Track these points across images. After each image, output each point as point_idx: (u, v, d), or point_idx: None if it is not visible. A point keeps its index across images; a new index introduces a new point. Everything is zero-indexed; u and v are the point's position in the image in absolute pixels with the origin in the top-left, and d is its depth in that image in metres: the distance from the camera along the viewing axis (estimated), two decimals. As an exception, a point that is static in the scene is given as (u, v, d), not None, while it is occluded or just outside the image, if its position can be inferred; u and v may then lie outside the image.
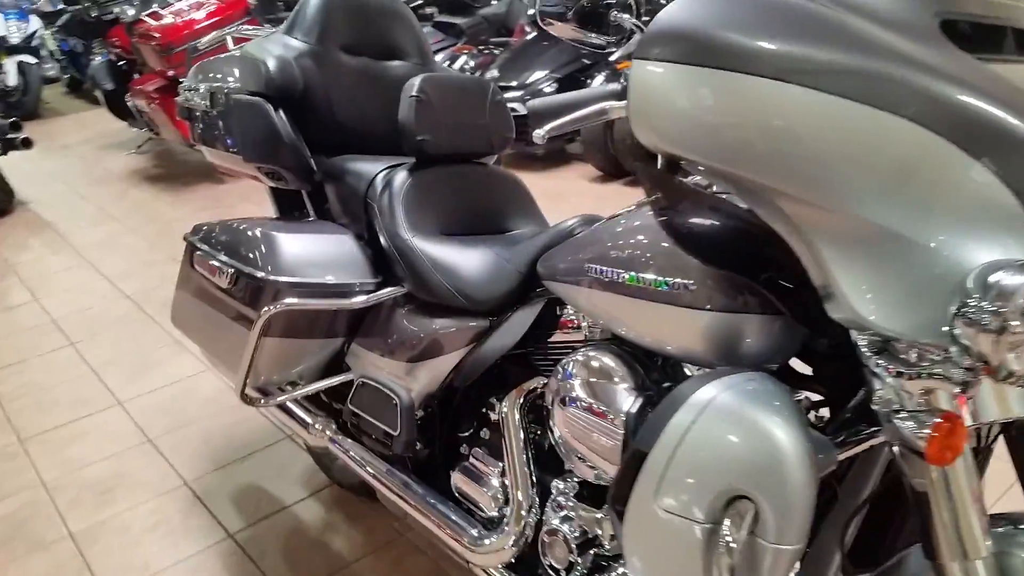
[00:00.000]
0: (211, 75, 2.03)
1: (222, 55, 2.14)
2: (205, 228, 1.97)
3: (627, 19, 1.15)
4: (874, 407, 0.89)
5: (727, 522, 0.90)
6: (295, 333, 1.74)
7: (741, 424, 0.91)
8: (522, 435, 1.49)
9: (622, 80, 0.96)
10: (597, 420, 1.22)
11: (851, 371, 0.95)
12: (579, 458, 1.28)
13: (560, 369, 1.31)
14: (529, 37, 5.50)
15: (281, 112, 1.80)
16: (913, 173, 0.77)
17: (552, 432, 1.33)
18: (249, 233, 1.79)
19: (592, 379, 1.24)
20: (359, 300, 1.68)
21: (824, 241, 0.82)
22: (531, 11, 5.48)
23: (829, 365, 1.11)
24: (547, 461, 1.48)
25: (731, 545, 0.90)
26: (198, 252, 1.89)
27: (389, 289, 1.70)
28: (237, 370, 1.90)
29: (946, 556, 0.87)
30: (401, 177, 1.72)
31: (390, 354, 1.70)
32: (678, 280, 1.09)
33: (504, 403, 1.52)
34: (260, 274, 1.67)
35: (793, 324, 1.04)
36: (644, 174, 1.03)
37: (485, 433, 1.61)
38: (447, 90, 1.75)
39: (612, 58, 5.04)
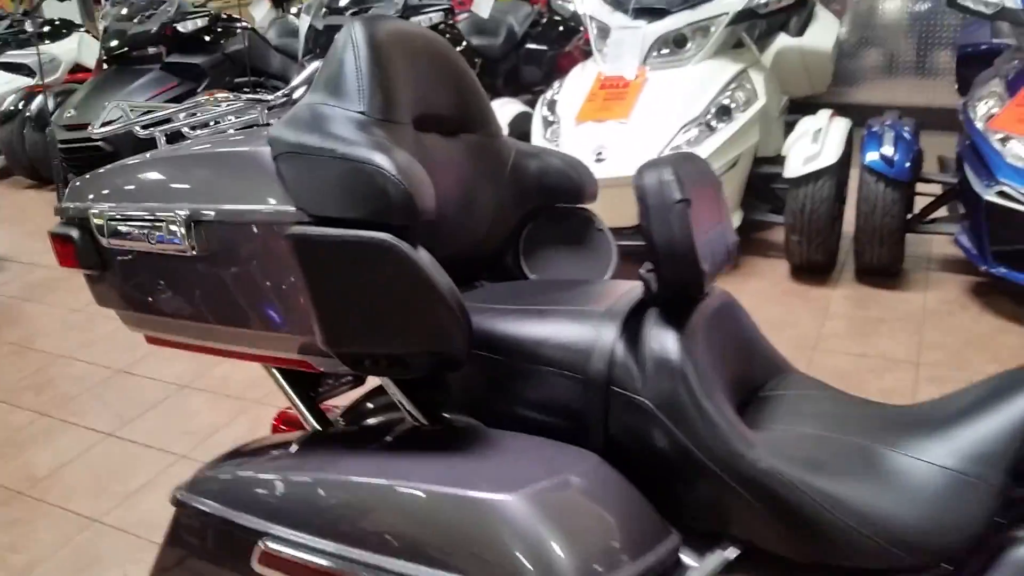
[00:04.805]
0: (176, 194, 1.14)
1: (182, 151, 1.22)
2: (237, 477, 1.06)
3: None
4: None
5: None
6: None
7: None
8: None
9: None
10: None
11: None
12: None
13: None
14: (108, 69, 5.25)
15: (423, 251, 0.97)
16: None
17: None
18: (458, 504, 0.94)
19: None
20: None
21: None
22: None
23: None
24: None
25: None
26: (271, 547, 0.98)
27: (721, 553, 0.96)
28: None
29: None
30: (671, 342, 1.00)
31: None
32: None
33: None
34: None
35: None
36: None
37: None
38: (696, 181, 1.05)
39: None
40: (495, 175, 1.35)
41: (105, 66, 5.33)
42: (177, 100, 4.96)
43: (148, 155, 1.24)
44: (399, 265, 0.95)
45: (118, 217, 1.14)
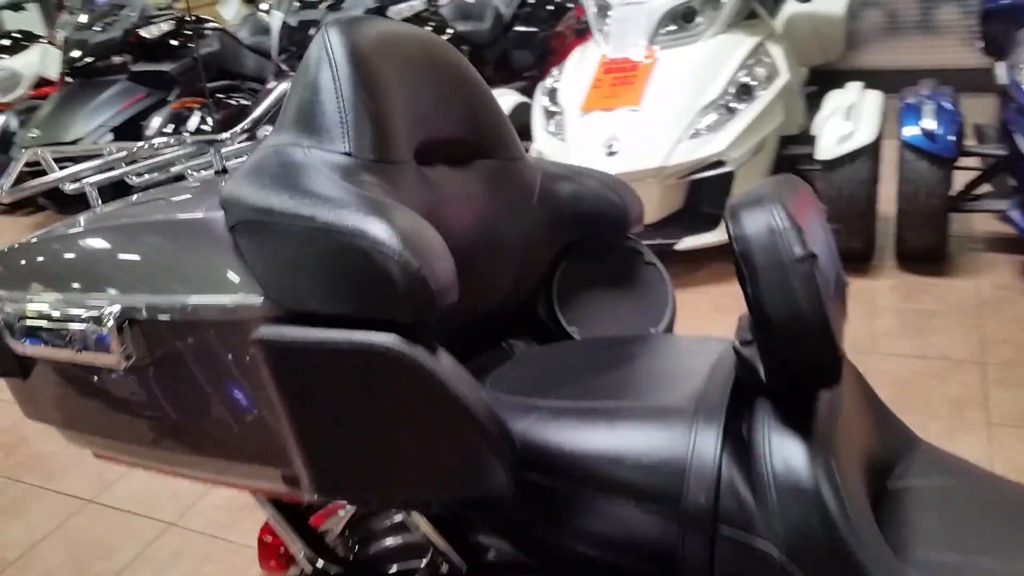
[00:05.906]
0: (104, 282, 0.85)
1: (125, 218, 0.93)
2: None
3: None
4: None
5: None
6: None
7: None
8: None
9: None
10: None
11: None
12: None
13: None
14: (71, 83, 4.92)
15: (444, 355, 0.69)
16: None
17: None
18: None
19: None
20: None
21: None
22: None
23: None
24: None
25: None
26: None
27: None
28: None
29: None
30: (800, 456, 0.72)
31: None
32: None
33: None
34: None
35: None
36: None
37: None
38: (806, 218, 0.77)
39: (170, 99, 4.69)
40: (521, 208, 1.07)
41: (68, 79, 5.00)
42: (148, 111, 4.67)
43: (81, 220, 0.95)
44: (411, 379, 0.67)
45: (29, 314, 0.86)
